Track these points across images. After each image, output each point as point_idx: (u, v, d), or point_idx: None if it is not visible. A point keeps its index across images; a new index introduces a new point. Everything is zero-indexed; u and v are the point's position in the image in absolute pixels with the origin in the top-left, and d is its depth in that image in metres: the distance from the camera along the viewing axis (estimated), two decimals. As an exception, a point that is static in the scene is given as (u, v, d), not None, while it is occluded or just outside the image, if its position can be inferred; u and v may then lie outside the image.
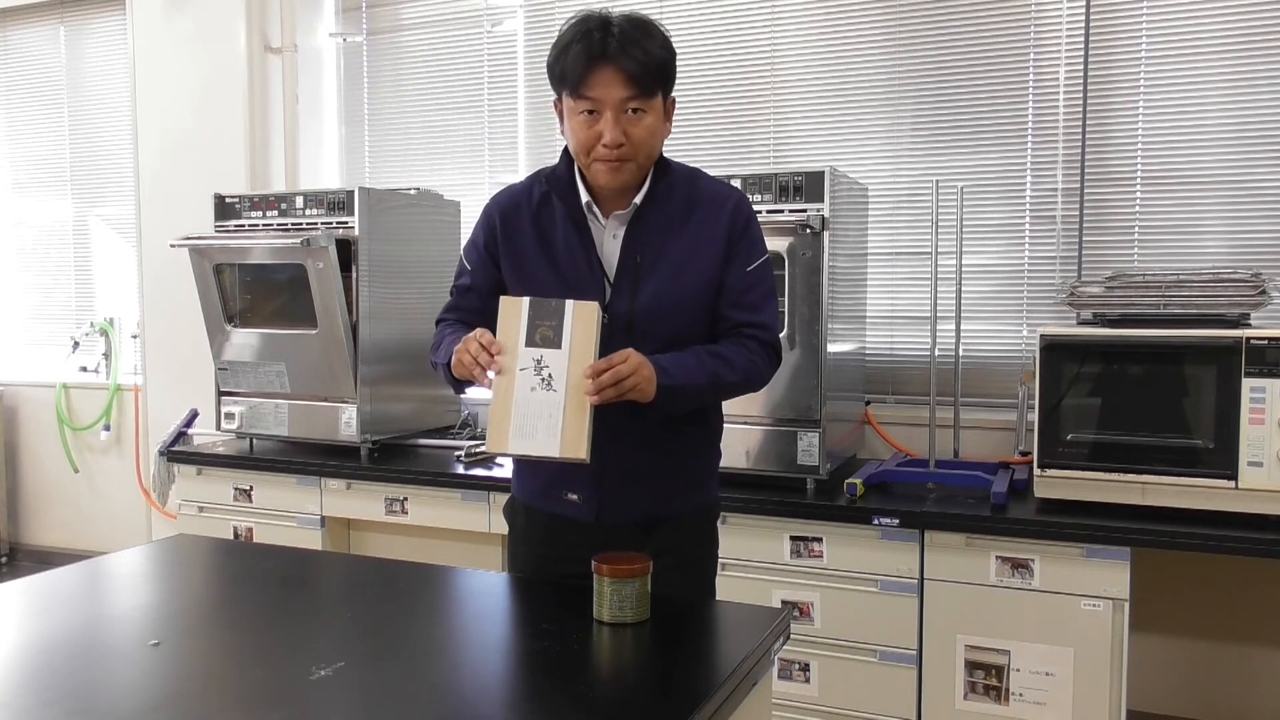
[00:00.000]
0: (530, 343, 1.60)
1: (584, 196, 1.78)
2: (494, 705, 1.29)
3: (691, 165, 1.89)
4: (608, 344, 1.72)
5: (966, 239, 3.14)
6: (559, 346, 1.59)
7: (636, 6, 3.38)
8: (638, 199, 1.76)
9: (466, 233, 3.92)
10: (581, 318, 1.60)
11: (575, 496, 1.81)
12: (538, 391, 1.58)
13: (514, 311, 1.62)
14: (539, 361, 1.59)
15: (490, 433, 1.60)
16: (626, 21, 1.69)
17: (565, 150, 1.81)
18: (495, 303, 1.87)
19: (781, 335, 2.67)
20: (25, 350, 5.19)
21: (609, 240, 1.79)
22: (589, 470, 1.73)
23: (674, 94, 1.80)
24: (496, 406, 1.59)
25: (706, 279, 1.78)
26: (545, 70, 1.77)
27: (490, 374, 1.63)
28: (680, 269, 1.77)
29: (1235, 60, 2.98)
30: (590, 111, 1.69)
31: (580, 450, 1.56)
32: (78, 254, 5.02)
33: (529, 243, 1.82)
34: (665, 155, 1.82)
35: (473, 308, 1.90)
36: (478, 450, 3.25)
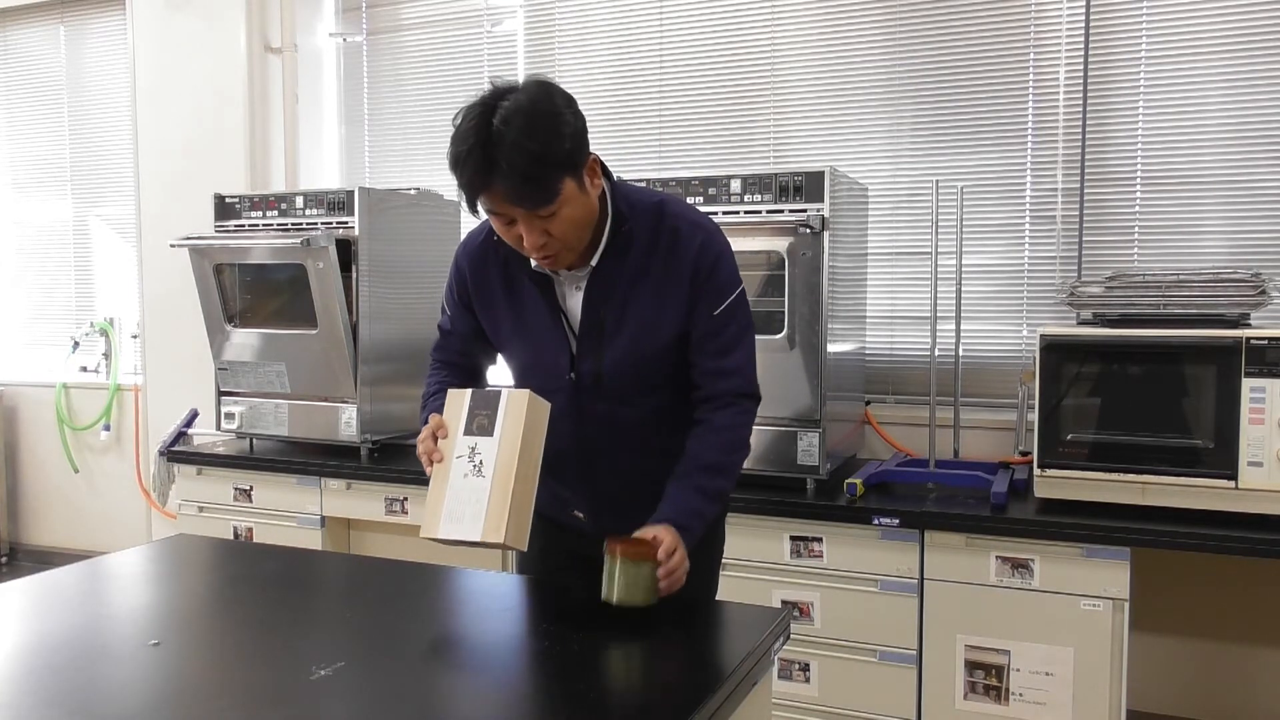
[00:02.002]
0: (468, 431, 1.63)
1: (534, 261, 1.68)
2: (494, 705, 1.29)
3: (657, 192, 1.78)
4: (579, 400, 1.73)
5: (966, 239, 3.14)
6: (492, 434, 1.61)
7: (636, 9, 3.40)
8: (594, 260, 1.68)
9: (466, 232, 3.92)
10: (514, 406, 1.62)
11: (580, 514, 1.82)
12: (470, 478, 1.60)
13: (458, 403, 1.66)
14: (473, 449, 1.61)
15: (425, 518, 1.61)
16: (509, 126, 1.48)
17: None
18: (476, 346, 1.88)
19: (781, 335, 2.68)
20: (25, 350, 5.19)
21: (572, 293, 1.72)
22: (590, 491, 1.74)
23: (596, 154, 1.63)
24: (432, 493, 1.62)
25: (673, 331, 1.70)
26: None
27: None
28: (646, 324, 1.69)
29: (1235, 60, 2.98)
30: (506, 221, 1.59)
31: (500, 534, 1.54)
32: (78, 254, 5.02)
33: (498, 298, 1.78)
34: (620, 189, 1.72)
35: (456, 349, 1.91)
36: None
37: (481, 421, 1.63)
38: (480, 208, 1.58)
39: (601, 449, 1.72)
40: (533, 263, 1.69)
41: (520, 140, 1.48)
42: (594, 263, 1.68)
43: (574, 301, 1.72)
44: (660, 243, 1.69)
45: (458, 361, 1.90)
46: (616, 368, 1.71)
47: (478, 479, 1.59)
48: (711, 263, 1.70)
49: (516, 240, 1.61)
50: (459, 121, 1.54)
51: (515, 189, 1.50)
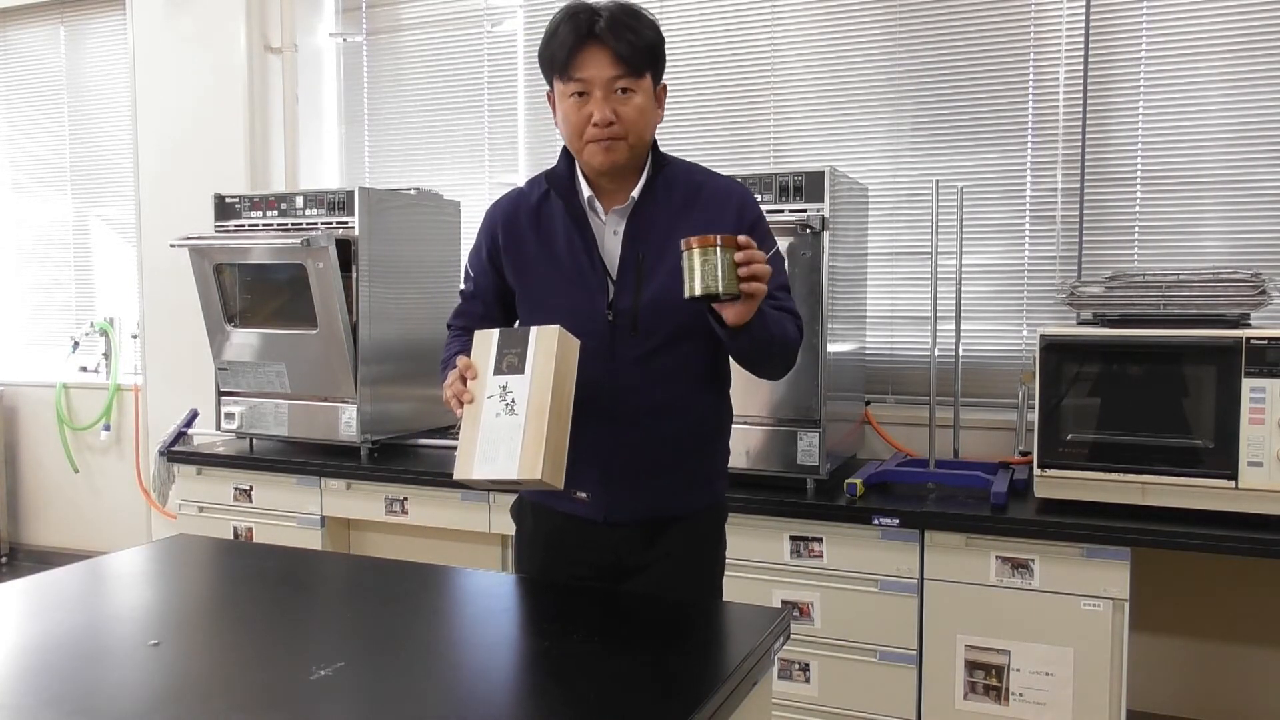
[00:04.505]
0: (498, 370, 1.62)
1: (585, 192, 1.78)
2: (495, 705, 1.29)
3: (689, 160, 1.89)
4: (614, 339, 1.75)
5: (966, 239, 3.14)
6: (523, 371, 1.60)
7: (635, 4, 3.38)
8: (635, 192, 1.76)
9: (466, 232, 3.91)
10: (544, 342, 1.61)
11: (584, 495, 1.81)
12: (502, 417, 1.59)
13: (485, 343, 1.66)
14: (504, 388, 1.60)
15: (458, 460, 1.60)
16: (614, 6, 1.71)
17: (564, 149, 1.82)
18: (499, 309, 1.90)
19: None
20: (25, 350, 5.19)
21: (610, 237, 1.79)
22: (596, 467, 1.74)
23: (665, 82, 1.80)
24: (465, 435, 1.60)
25: None
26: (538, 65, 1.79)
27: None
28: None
29: (1235, 60, 2.98)
30: (580, 93, 1.70)
31: (536, 470, 1.53)
32: (78, 254, 5.02)
33: (530, 244, 1.82)
34: (663, 150, 1.83)
35: (477, 314, 1.92)
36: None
37: (511, 360, 1.62)
38: (566, 76, 1.69)
39: (629, 393, 1.74)
40: (584, 193, 1.76)
41: (626, 19, 1.69)
42: (635, 194, 1.75)
43: (612, 244, 1.78)
44: (699, 192, 1.80)
45: (477, 327, 1.90)
46: (652, 306, 1.74)
47: (510, 417, 1.57)
48: (754, 218, 1.81)
49: (583, 121, 1.70)
50: (556, 15, 1.73)
51: (618, 48, 1.67)
